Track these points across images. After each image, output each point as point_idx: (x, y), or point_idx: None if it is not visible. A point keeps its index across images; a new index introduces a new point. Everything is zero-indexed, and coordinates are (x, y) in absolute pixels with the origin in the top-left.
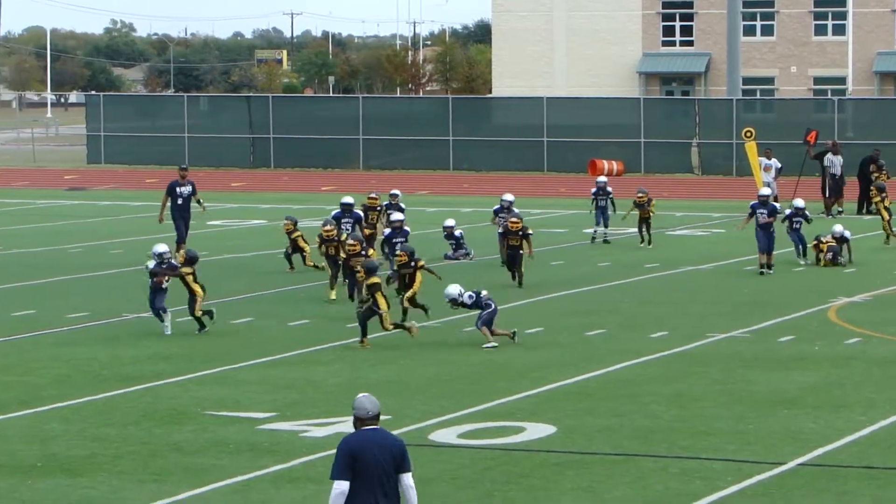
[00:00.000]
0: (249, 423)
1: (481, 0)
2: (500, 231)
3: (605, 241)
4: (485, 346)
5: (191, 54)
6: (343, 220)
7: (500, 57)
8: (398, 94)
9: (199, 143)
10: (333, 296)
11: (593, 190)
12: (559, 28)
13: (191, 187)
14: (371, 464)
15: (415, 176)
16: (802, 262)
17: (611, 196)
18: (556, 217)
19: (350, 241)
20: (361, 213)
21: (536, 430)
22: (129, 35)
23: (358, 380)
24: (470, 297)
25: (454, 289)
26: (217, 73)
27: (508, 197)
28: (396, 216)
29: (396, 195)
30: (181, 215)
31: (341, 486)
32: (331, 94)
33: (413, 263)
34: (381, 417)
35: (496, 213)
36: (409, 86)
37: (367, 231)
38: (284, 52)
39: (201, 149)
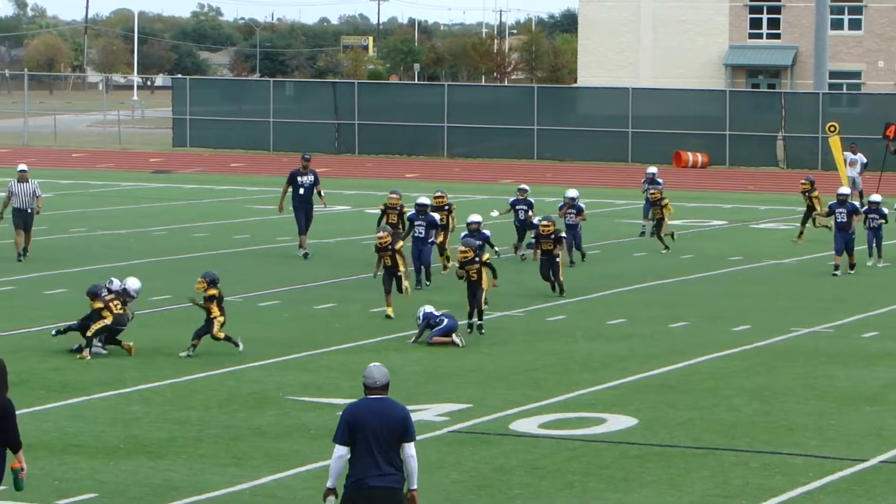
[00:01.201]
0: (330, 409)
1: None
2: (532, 237)
3: (643, 234)
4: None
5: (277, 39)
6: (416, 223)
7: (586, 47)
8: (483, 83)
9: (285, 128)
10: (391, 312)
11: (643, 180)
12: (646, 19)
13: (313, 177)
14: (370, 432)
15: (498, 164)
16: (870, 264)
17: (660, 187)
18: (639, 208)
19: (462, 248)
20: (437, 217)
21: (617, 422)
22: (216, 19)
23: (438, 368)
24: (418, 318)
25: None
26: (303, 58)
27: (572, 193)
28: (473, 217)
29: (525, 190)
30: (302, 206)
31: (339, 451)
32: (416, 82)
33: (478, 259)
34: (462, 406)
35: (560, 208)
36: (495, 74)
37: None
38: (370, 38)
39: (286, 134)
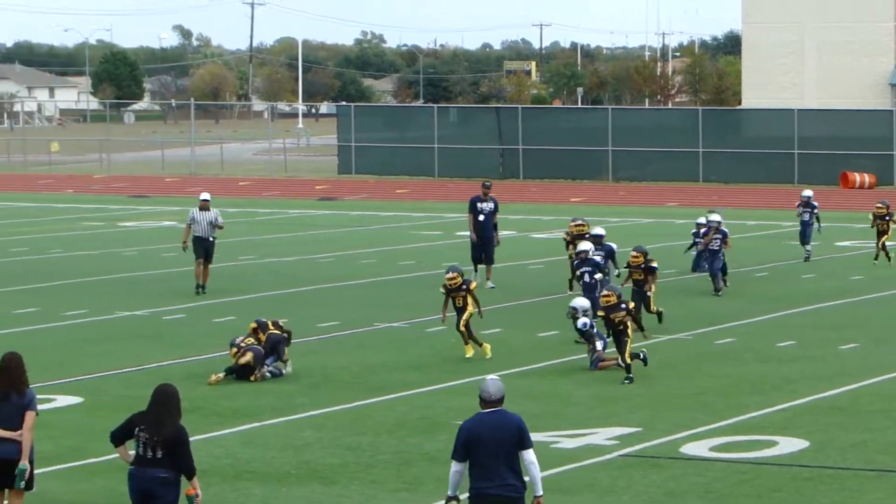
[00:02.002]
0: None
1: (731, 11)
2: (624, 266)
3: (805, 259)
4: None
5: (440, 65)
6: (595, 252)
7: (750, 68)
8: (647, 106)
9: (449, 154)
10: (470, 352)
11: (797, 203)
12: (809, 40)
13: (493, 204)
14: (487, 444)
15: (663, 187)
16: None
17: (815, 211)
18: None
19: (605, 292)
20: (615, 247)
21: (789, 445)
22: (379, 46)
23: (607, 392)
24: (584, 324)
25: (580, 302)
26: (466, 84)
27: (715, 217)
28: (584, 245)
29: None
30: (481, 234)
31: (455, 467)
32: (579, 106)
33: (624, 306)
34: (632, 429)
35: (704, 234)
36: (658, 97)
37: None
38: (533, 63)
39: (451, 160)
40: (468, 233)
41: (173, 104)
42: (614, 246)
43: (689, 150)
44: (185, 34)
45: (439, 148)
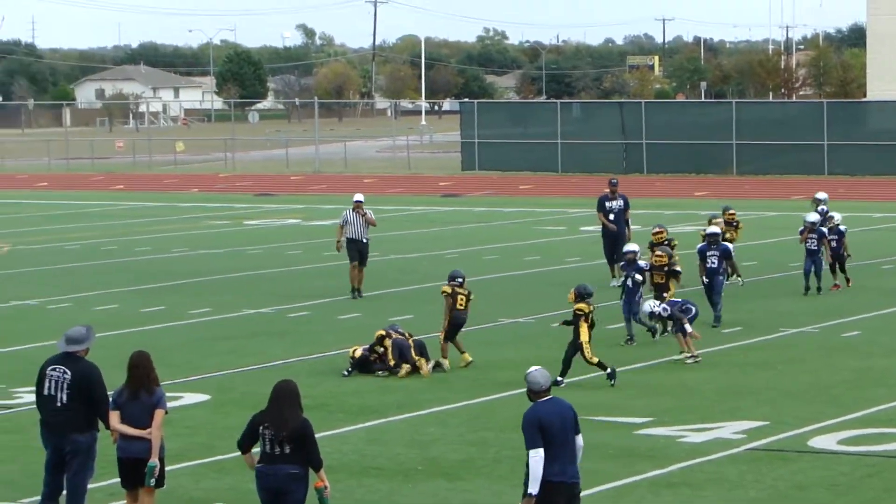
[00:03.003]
0: (627, 428)
1: (856, 3)
2: (648, 268)
3: None
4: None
5: (562, 61)
6: (709, 254)
7: (875, 60)
8: (771, 99)
9: (572, 149)
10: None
11: None
12: None
13: (622, 202)
14: (555, 430)
15: (788, 181)
16: None
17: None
18: None
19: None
20: (731, 247)
21: None
22: (501, 43)
23: (734, 385)
24: (664, 309)
25: (647, 306)
26: (589, 79)
27: (810, 218)
28: (630, 247)
29: (832, 217)
30: (609, 233)
31: (539, 453)
32: (703, 100)
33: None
34: (759, 423)
35: (824, 237)
36: (782, 90)
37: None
38: (656, 57)
39: (574, 155)
40: (593, 228)
41: (297, 103)
42: (730, 246)
43: (814, 143)
44: (309, 33)
45: (562, 143)
